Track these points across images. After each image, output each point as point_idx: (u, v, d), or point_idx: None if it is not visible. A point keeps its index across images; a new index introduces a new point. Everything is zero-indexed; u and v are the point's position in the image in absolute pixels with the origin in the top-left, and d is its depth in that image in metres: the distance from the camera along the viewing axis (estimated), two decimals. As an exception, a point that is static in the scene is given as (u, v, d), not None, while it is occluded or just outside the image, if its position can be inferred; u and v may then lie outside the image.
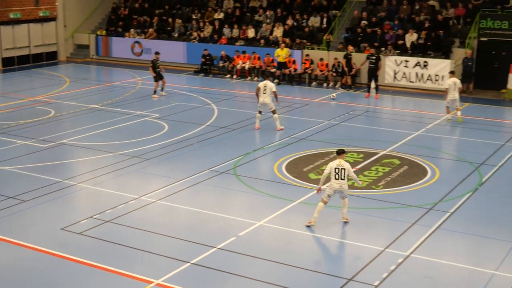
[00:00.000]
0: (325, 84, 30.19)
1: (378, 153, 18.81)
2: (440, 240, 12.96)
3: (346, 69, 29.22)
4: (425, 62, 28.76)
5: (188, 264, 11.76)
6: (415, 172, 17.17)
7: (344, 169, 13.46)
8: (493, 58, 28.87)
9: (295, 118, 23.46)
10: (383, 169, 17.32)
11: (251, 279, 11.26)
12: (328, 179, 13.60)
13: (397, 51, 29.98)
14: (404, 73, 29.26)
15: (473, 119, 23.55)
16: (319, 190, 13.81)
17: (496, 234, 13.29)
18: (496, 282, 11.21)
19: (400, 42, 30.36)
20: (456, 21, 30.82)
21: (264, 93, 21.18)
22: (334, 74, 30.04)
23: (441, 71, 28.39)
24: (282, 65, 30.70)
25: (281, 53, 30.48)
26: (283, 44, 30.99)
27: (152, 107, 24.89)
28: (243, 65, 32.14)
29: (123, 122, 22.62)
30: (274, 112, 21.38)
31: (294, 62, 30.82)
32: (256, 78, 31.72)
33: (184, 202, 14.97)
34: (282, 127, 21.48)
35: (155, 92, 27.19)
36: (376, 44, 30.50)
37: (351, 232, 13.45)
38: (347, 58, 29.15)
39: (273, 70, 31.26)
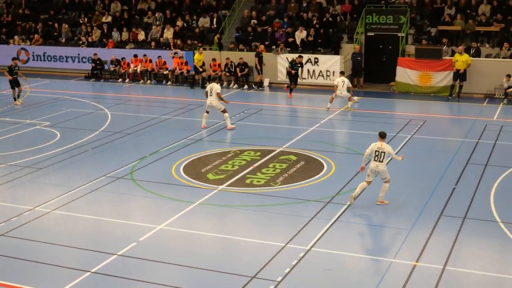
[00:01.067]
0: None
1: (274, 150, 18.97)
2: (339, 232, 13.20)
3: (259, 67, 29.34)
4: (316, 58, 29.33)
5: (89, 273, 11.39)
6: (311, 167, 17.43)
7: (384, 152, 14.26)
8: (381, 52, 29.85)
9: (191, 119, 23.31)
10: (281, 166, 17.48)
11: (154, 283, 11.03)
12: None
13: (288, 49, 30.42)
14: (296, 70, 29.68)
15: (365, 112, 24.25)
16: (362, 168, 14.71)
17: (393, 222, 13.68)
18: (395, 270, 11.51)
19: (291, 39, 30.81)
20: (343, 18, 31.63)
21: (211, 95, 21.40)
22: (227, 74, 30.09)
23: (332, 66, 29.06)
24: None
25: (200, 58, 30.22)
26: (201, 49, 30.75)
27: (43, 115, 24.04)
28: (135, 68, 31.62)
29: (13, 131, 21.71)
30: (224, 111, 21.51)
31: (186, 63, 30.61)
32: (149, 82, 31.31)
33: (81, 210, 14.50)
34: (233, 126, 21.62)
35: (15, 99, 26.42)
36: (267, 42, 30.82)
37: (252, 230, 13.48)
38: (259, 57, 29.26)
39: (165, 72, 30.98)
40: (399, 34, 29.08)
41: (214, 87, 21.54)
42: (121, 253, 12.16)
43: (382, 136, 14.53)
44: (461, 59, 26.19)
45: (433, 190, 15.54)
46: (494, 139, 19.99)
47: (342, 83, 24.50)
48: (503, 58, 27.27)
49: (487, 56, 28.00)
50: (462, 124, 22.56)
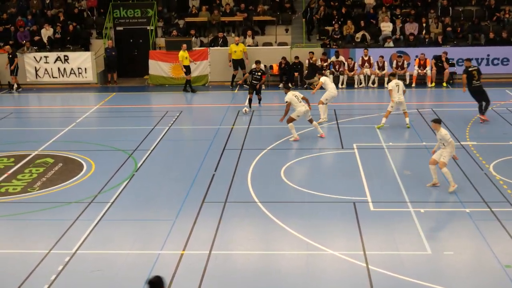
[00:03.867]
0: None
1: (29, 154, 18.01)
2: (104, 231, 12.91)
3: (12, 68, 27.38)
4: (66, 56, 28.35)
5: None
6: (70, 168, 16.84)
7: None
8: (132, 46, 29.72)
9: None
10: (37, 170, 16.65)
11: None
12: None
13: (35, 48, 29.02)
14: (46, 69, 28.48)
15: (121, 107, 24.00)
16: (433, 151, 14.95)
17: (157, 215, 13.71)
18: (162, 261, 11.56)
19: (37, 38, 29.42)
20: (90, 13, 30.95)
21: None
22: None
23: (83, 63, 28.33)
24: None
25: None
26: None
27: None
28: None
29: None
30: None
31: None
32: None
33: None
34: None
35: None
36: (11, 42, 29.11)
37: (10, 241, 12.67)
38: (9, 58, 27.25)
39: None
40: (148, 27, 29.20)
41: None
42: None
43: (437, 121, 14.78)
44: (239, 49, 27.01)
45: (194, 178, 15.85)
46: (247, 124, 20.95)
47: (396, 87, 19.92)
48: (248, 46, 28.65)
49: (234, 45, 29.25)
50: (217, 111, 23.30)
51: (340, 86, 26.87)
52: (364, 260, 11.40)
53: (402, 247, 11.97)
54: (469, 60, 21.52)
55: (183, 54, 26.28)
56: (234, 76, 27.47)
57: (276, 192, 15.00)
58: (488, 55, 27.74)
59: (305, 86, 26.77)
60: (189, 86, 26.72)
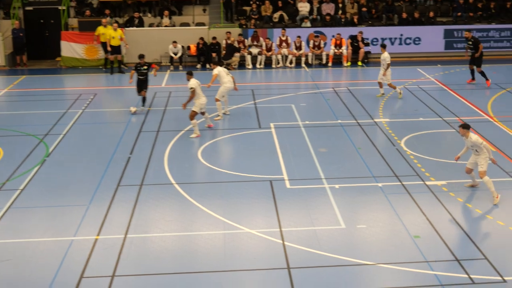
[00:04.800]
0: None
1: None
2: (15, 219, 12.48)
3: None
4: (-27, 38, 27.17)
5: None
6: (-22, 154, 16.20)
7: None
8: (43, 27, 28.75)
9: None
10: None
11: None
12: None
13: None
14: None
15: (32, 90, 23.24)
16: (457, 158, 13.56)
17: (71, 201, 13.35)
18: (77, 247, 11.29)
19: None
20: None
21: None
22: None
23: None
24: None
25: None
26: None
27: None
28: None
29: None
30: None
31: None
32: None
33: None
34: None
35: None
36: None
37: None
38: None
39: None
40: (59, 7, 28.29)
41: None
42: None
43: (465, 127, 13.09)
44: (116, 35, 26.34)
45: (109, 162, 15.55)
46: (164, 106, 20.70)
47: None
48: (165, 26, 28.27)
49: (150, 25, 28.78)
50: (133, 93, 22.86)
51: (258, 66, 26.91)
52: (280, 237, 11.49)
53: (317, 222, 12.12)
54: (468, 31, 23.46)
55: (111, 33, 25.99)
56: (106, 60, 26.78)
57: (193, 173, 14.92)
58: (401, 35, 28.35)
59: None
60: (118, 66, 26.35)
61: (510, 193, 13.42)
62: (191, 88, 17.27)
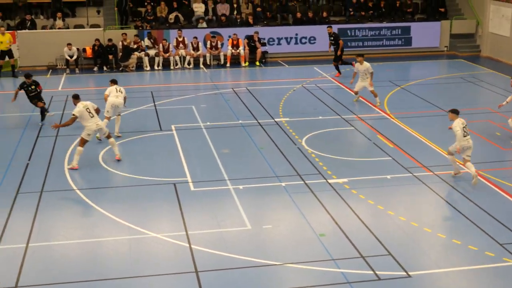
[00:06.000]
0: None
1: None
2: None
3: None
4: None
5: None
6: None
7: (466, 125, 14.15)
8: None
9: None
10: None
11: None
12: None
13: None
14: None
15: None
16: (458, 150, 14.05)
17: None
18: (-26, 259, 10.89)
19: None
20: None
21: None
22: None
23: None
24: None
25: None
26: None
27: None
28: None
29: None
30: None
31: None
32: None
33: None
34: None
35: None
36: None
37: None
38: None
39: None
40: None
41: None
42: None
43: (455, 112, 14.24)
44: (5, 39, 25.22)
45: (6, 169, 15.03)
46: (62, 109, 20.14)
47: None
48: (59, 28, 27.52)
49: (43, 27, 27.94)
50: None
51: (156, 67, 26.70)
52: (187, 241, 11.49)
53: (224, 224, 12.20)
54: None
55: (-1, 38, 24.96)
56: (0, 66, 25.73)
57: (95, 178, 14.64)
58: (297, 34, 28.93)
59: (120, 69, 26.28)
60: (12, 70, 25.36)
61: (409, 189, 14.00)
62: (73, 114, 14.99)
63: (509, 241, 11.48)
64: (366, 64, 20.51)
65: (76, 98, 15.49)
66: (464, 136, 13.94)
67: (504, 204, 13.18)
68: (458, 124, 13.99)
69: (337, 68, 24.80)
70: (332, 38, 24.17)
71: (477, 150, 14.66)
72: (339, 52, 24.49)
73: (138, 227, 12.04)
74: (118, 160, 15.46)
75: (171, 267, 10.70)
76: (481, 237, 11.68)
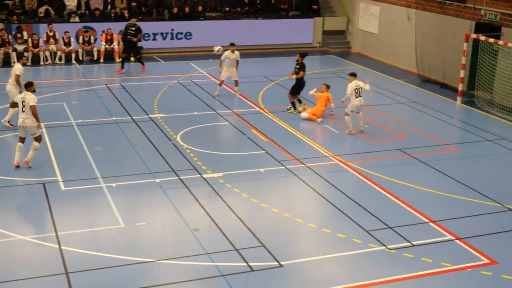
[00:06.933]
0: None
1: None
2: None
3: None
4: None
5: None
6: None
7: (361, 88, 17.16)
8: None
9: None
10: None
11: None
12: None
13: None
14: None
15: None
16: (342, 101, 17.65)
17: None
18: None
19: None
20: None
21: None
22: None
23: None
24: None
25: None
26: None
27: None
28: None
29: None
30: None
31: None
32: None
33: None
34: None
35: None
36: None
37: None
38: None
39: None
40: None
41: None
42: None
43: (353, 75, 17.44)
44: None
45: None
46: None
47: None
48: None
49: None
50: None
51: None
52: (56, 242, 11.11)
53: (95, 223, 11.91)
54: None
55: None
56: None
57: (-43, 180, 13.84)
58: (173, 30, 28.70)
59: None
60: None
61: (282, 181, 14.26)
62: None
63: (374, 228, 11.97)
64: (237, 53, 21.10)
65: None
66: (356, 97, 16.92)
67: (369, 192, 13.73)
68: (351, 85, 16.97)
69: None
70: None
71: (345, 141, 15.14)
72: (135, 39, 24.58)
73: (4, 230, 11.51)
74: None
75: (40, 270, 10.30)
76: (348, 224, 12.11)
